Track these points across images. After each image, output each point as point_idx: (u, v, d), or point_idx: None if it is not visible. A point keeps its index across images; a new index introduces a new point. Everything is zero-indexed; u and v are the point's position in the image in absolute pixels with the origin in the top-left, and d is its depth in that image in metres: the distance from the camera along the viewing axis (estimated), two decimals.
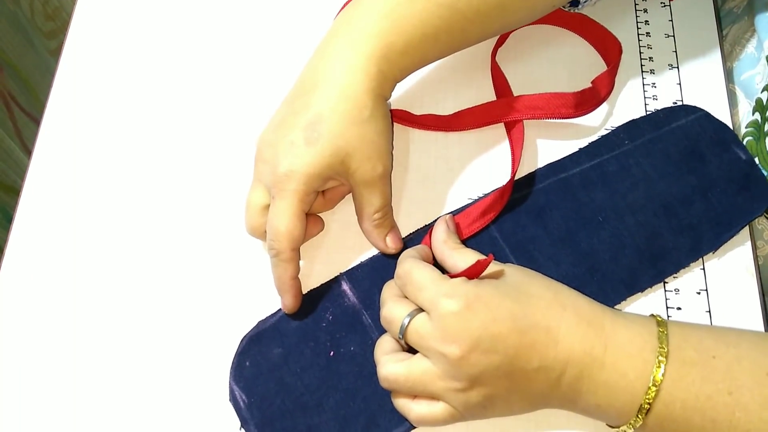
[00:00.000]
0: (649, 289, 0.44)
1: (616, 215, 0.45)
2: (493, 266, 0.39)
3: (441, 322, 0.36)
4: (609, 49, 0.50)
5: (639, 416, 0.35)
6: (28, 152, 0.90)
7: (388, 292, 0.40)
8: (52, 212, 0.47)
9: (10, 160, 0.86)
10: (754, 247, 0.45)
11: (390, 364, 0.37)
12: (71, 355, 0.43)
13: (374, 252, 0.44)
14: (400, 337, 0.37)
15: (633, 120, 0.48)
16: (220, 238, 0.46)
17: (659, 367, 0.35)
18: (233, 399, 0.41)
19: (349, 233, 0.46)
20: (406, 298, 0.38)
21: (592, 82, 0.49)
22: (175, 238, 0.46)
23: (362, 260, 0.44)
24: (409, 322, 0.37)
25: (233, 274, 0.45)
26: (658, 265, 0.44)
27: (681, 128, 0.47)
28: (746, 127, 0.48)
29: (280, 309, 0.43)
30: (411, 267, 0.38)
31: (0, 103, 0.87)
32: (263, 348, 0.42)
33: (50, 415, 0.41)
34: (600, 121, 0.49)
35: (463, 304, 0.36)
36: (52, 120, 0.50)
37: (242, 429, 0.40)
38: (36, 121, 0.91)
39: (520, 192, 0.46)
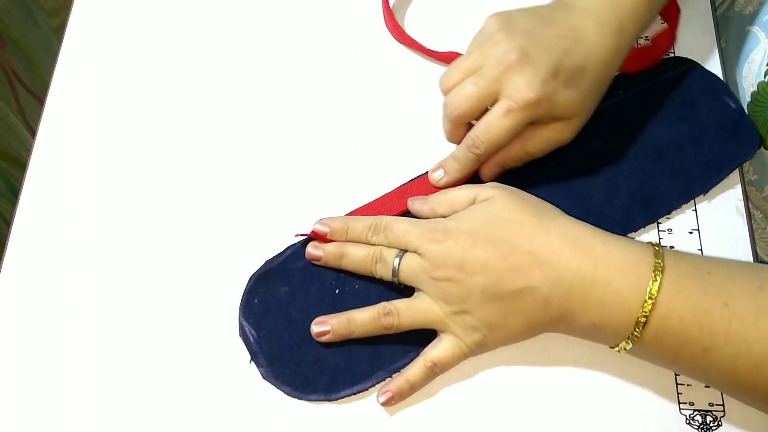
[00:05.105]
0: (643, 229, 0.45)
1: (610, 161, 0.46)
2: (485, 189, 0.41)
3: (428, 254, 0.39)
4: (668, 7, 0.52)
5: (636, 330, 0.36)
6: (30, 129, 0.91)
7: (365, 250, 0.42)
8: (58, 191, 0.48)
9: (14, 134, 0.88)
10: (744, 189, 0.47)
11: (396, 304, 0.40)
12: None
13: (375, 197, 0.46)
14: (394, 278, 0.41)
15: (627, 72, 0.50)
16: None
17: (655, 280, 0.36)
18: (243, 334, 0.42)
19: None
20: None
21: (651, 39, 0.50)
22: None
23: (363, 204, 0.46)
24: (399, 262, 0.40)
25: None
26: (651, 206, 0.45)
27: (673, 79, 0.49)
28: (767, 65, 0.49)
29: (286, 249, 0.44)
30: (388, 221, 0.42)
31: (4, 80, 0.88)
32: (271, 286, 0.43)
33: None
34: None
35: (445, 236, 0.39)
36: (57, 98, 0.51)
37: (252, 362, 0.42)
38: (38, 98, 0.92)
39: None
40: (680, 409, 0.41)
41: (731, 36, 0.52)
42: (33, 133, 0.90)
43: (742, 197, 0.46)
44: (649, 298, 0.35)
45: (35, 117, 0.92)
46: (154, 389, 0.42)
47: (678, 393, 0.41)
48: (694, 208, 0.46)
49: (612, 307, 0.36)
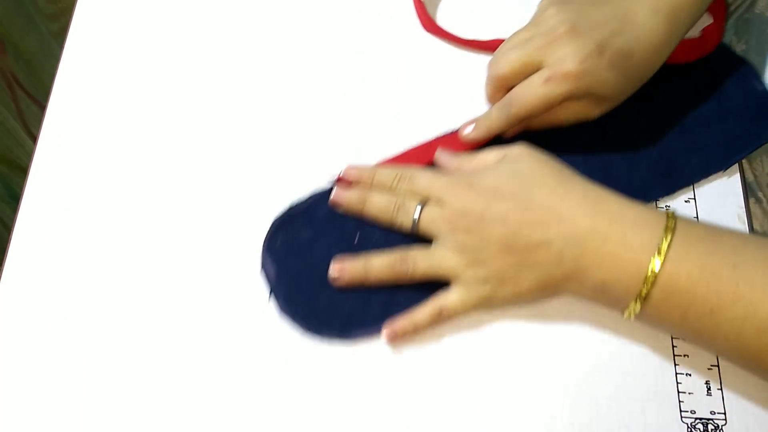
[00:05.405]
0: None
1: (635, 131, 0.47)
2: (513, 149, 0.42)
3: (450, 205, 0.40)
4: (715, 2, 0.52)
5: (644, 287, 0.36)
6: (30, 133, 0.91)
7: (388, 197, 0.43)
8: (59, 196, 0.47)
9: (14, 138, 0.88)
10: (746, 197, 0.47)
11: (413, 252, 0.42)
12: (85, 315, 0.44)
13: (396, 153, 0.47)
14: (414, 227, 0.42)
15: None
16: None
17: (666, 238, 0.36)
18: (264, 272, 0.44)
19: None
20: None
21: (702, 31, 0.50)
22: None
23: (386, 158, 0.47)
24: (421, 211, 0.41)
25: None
26: (670, 178, 0.46)
27: (704, 59, 0.50)
28: None
29: (312, 195, 0.46)
30: (414, 171, 0.43)
31: (3, 84, 0.88)
32: (294, 229, 0.45)
33: (67, 355, 0.43)
34: None
35: (468, 188, 0.40)
36: (59, 103, 0.51)
37: (270, 299, 0.43)
38: (38, 103, 0.92)
39: None
40: (681, 417, 0.41)
41: (752, 38, 0.52)
42: (33, 137, 0.91)
43: (743, 205, 0.46)
44: (659, 253, 0.36)
45: (35, 121, 0.92)
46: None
47: (680, 401, 0.41)
48: (696, 215, 0.46)
49: (622, 261, 0.37)
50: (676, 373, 0.42)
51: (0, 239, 0.83)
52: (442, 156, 0.45)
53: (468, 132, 0.45)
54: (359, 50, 0.52)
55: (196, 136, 0.49)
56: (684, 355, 0.42)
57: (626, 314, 0.38)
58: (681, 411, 0.41)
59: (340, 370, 0.42)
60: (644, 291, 0.36)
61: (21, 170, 0.86)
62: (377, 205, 0.43)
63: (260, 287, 0.44)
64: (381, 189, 0.44)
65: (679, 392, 0.41)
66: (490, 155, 0.43)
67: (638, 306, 0.37)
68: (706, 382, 0.41)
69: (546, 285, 0.39)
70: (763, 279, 0.35)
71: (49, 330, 0.43)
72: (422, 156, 0.46)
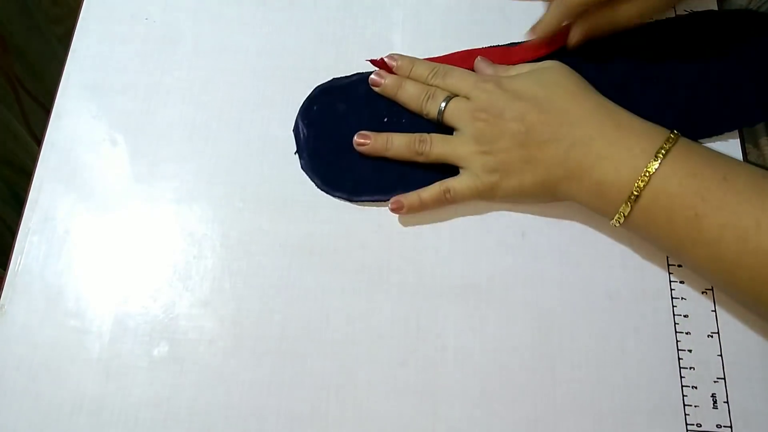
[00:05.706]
0: None
1: (670, 76, 0.48)
2: (546, 62, 0.46)
3: (476, 99, 0.44)
4: None
5: (636, 187, 0.39)
6: (34, 136, 0.91)
7: (422, 87, 0.47)
8: (63, 199, 0.48)
9: (17, 142, 0.87)
10: None
11: (432, 135, 0.46)
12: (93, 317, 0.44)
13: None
14: (439, 115, 0.46)
15: (709, 11, 0.51)
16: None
17: (665, 147, 0.39)
18: (296, 131, 0.49)
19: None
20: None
21: None
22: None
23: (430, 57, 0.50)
24: (448, 102, 0.45)
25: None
26: (695, 125, 0.47)
27: (750, 28, 0.50)
28: None
29: (354, 74, 0.50)
30: (450, 68, 0.47)
31: (8, 87, 0.88)
32: (331, 99, 0.50)
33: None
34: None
35: (496, 87, 0.44)
36: (63, 106, 0.51)
37: (296, 154, 0.48)
38: (42, 105, 0.92)
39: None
40: (687, 430, 0.40)
41: None
42: (37, 140, 0.91)
43: None
44: (655, 159, 0.38)
45: (39, 124, 0.92)
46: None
47: (686, 414, 0.41)
48: None
49: (620, 163, 0.39)
50: (682, 386, 0.41)
51: (3, 242, 0.83)
52: (480, 63, 0.48)
53: (533, 36, 0.47)
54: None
55: (207, 135, 0.49)
56: (690, 368, 0.42)
57: (615, 218, 0.40)
58: (687, 424, 0.41)
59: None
60: (636, 190, 0.38)
61: (25, 173, 0.86)
62: (410, 92, 0.47)
63: (290, 143, 0.49)
64: (417, 79, 0.48)
65: (684, 405, 0.41)
66: (524, 67, 0.46)
67: (628, 208, 0.39)
68: (712, 395, 0.41)
69: (547, 182, 0.42)
70: (749, 191, 0.37)
71: (51, 330, 0.43)
72: (463, 61, 0.49)
